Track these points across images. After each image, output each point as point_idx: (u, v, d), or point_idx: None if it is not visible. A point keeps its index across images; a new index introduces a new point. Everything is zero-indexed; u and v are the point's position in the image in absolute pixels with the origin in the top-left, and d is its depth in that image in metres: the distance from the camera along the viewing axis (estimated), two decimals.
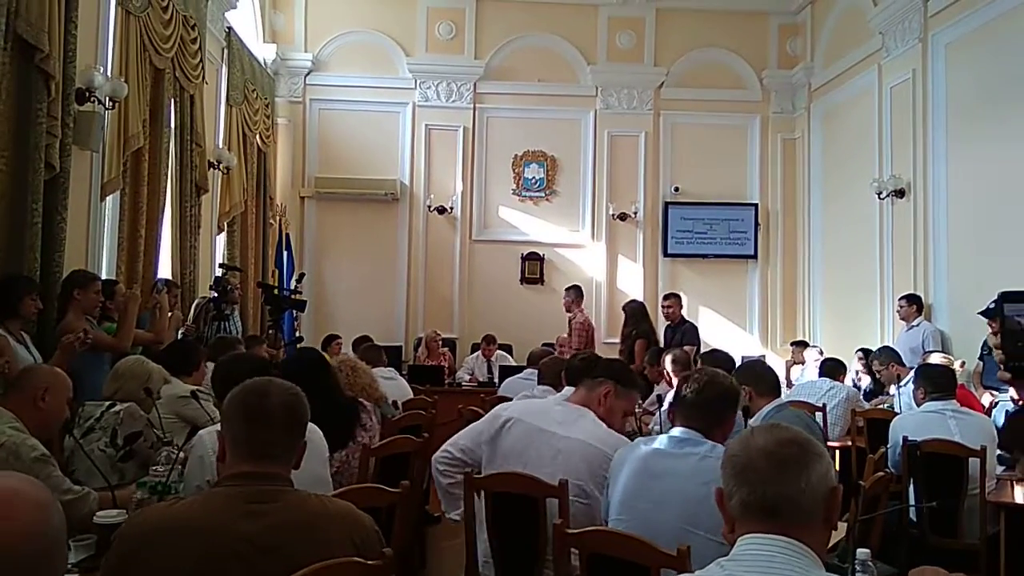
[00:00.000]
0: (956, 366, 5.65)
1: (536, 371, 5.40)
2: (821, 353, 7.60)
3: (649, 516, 2.21)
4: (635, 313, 7.33)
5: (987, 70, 6.59)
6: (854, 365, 7.13)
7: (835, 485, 1.41)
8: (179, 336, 5.57)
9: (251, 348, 5.20)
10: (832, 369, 5.98)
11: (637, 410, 4.87)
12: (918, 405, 4.20)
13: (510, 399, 4.77)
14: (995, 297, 1.75)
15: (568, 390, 3.16)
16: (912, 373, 5.72)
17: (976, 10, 6.64)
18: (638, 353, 6.86)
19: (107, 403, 3.11)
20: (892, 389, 5.87)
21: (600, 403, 2.83)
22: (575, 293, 7.80)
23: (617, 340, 7.72)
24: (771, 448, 1.40)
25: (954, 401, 4.03)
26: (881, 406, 5.60)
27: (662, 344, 6.95)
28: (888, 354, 6.09)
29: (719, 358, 4.33)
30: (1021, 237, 6.06)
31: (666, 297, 7.61)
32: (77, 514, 2.32)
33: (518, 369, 6.63)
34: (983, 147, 6.58)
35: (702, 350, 7.10)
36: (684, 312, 7.51)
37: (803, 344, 8.10)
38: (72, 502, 2.39)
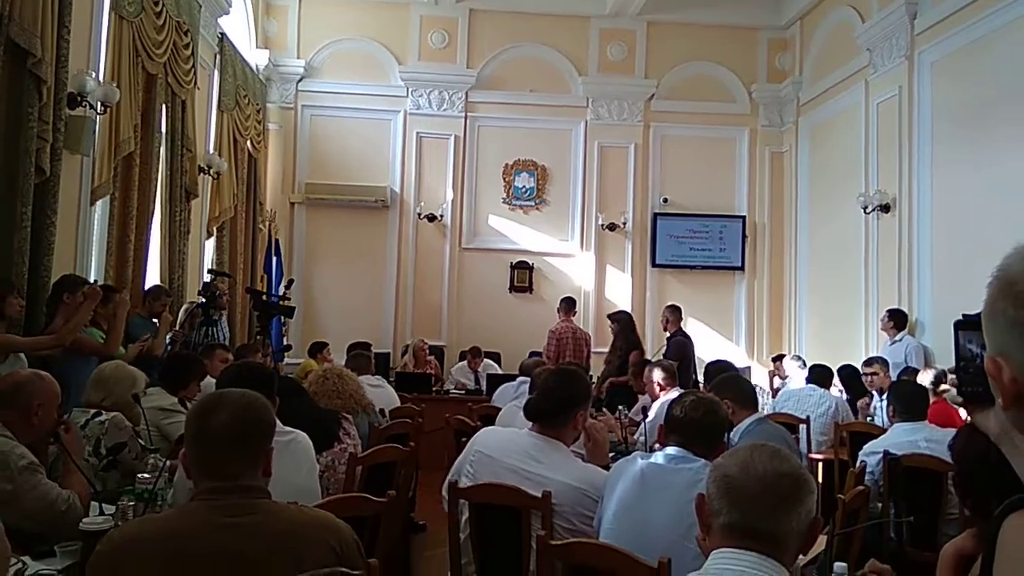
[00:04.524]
0: (946, 385, 5.64)
1: (528, 379, 5.43)
2: (804, 365, 7.65)
3: (643, 527, 2.25)
4: (626, 324, 7.34)
5: (972, 88, 6.69)
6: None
7: (816, 517, 1.45)
8: (168, 342, 5.57)
9: (245, 356, 5.18)
10: (820, 376, 6.02)
11: (624, 419, 4.92)
12: (891, 422, 4.17)
13: (499, 408, 4.81)
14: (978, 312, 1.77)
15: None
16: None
17: (961, 30, 6.73)
18: (633, 364, 6.90)
19: (93, 411, 3.10)
20: (875, 400, 5.93)
21: (577, 428, 2.76)
22: (561, 303, 7.82)
23: (605, 349, 7.73)
24: (770, 480, 1.43)
25: (925, 423, 3.94)
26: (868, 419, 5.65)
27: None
28: (880, 363, 6.13)
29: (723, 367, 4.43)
30: (1004, 252, 6.12)
31: (665, 307, 7.68)
32: (70, 523, 2.33)
33: (506, 377, 6.64)
34: (967, 164, 6.67)
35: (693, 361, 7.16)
36: (681, 324, 7.52)
37: (782, 357, 8.16)
38: (65, 513, 2.41)
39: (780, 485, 1.42)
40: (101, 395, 3.23)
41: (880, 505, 3.80)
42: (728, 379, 3.74)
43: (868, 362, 6.19)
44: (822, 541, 2.43)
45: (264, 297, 7.52)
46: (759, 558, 1.38)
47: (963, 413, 5.12)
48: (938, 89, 7.15)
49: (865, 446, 4.06)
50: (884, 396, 5.76)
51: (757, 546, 1.39)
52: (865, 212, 7.93)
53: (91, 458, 2.94)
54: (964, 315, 0.97)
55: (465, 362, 8.66)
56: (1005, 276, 0.85)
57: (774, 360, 8.26)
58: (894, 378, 6.06)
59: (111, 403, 3.19)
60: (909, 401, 4.04)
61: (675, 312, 7.49)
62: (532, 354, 7.38)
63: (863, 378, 6.19)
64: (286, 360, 8.21)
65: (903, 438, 3.86)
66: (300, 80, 9.83)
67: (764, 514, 1.40)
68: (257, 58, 9.30)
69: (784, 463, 1.46)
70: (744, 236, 10.08)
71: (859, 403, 6.19)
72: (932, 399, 4.56)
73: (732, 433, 3.19)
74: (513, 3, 9.95)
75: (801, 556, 1.48)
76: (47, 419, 2.66)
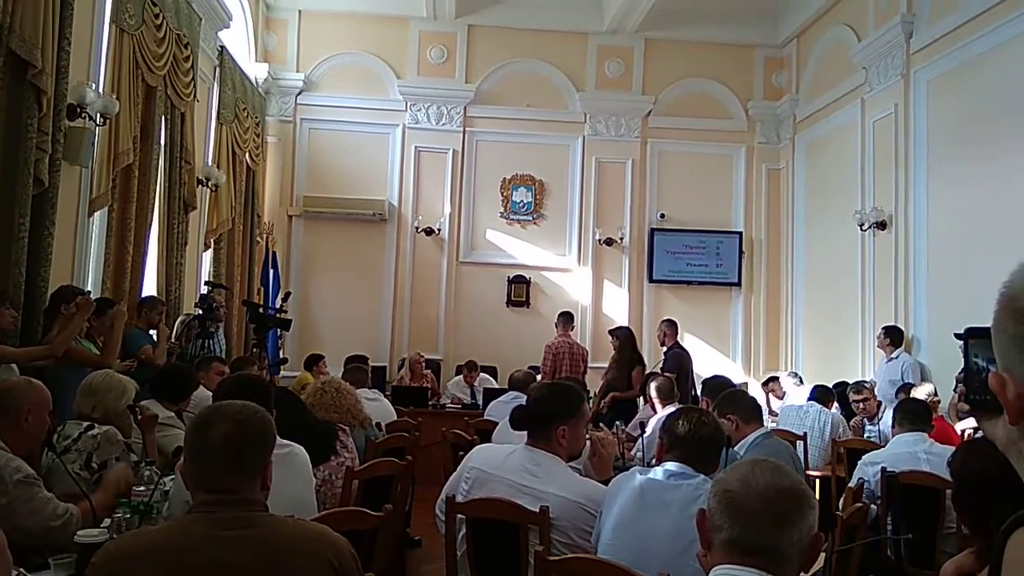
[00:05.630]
0: (938, 398, 5.66)
1: (518, 394, 5.42)
2: (801, 381, 7.66)
3: (642, 543, 2.24)
4: (628, 339, 7.33)
5: (967, 106, 6.73)
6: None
7: (818, 533, 1.45)
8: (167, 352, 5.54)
9: (241, 369, 5.15)
10: (822, 395, 6.03)
11: (621, 435, 4.91)
12: (893, 436, 4.19)
13: (495, 423, 4.79)
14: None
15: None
16: (884, 410, 5.79)
17: (957, 49, 6.79)
18: (635, 379, 6.92)
19: (86, 424, 3.06)
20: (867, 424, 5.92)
21: (561, 444, 2.70)
22: (559, 318, 7.82)
23: (602, 365, 7.72)
24: (771, 495, 1.42)
25: (926, 435, 3.94)
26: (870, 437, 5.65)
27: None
28: (870, 388, 6.14)
29: (722, 382, 4.51)
30: (1000, 269, 6.08)
31: (661, 322, 7.73)
32: (62, 537, 2.31)
33: (502, 392, 6.61)
34: (963, 181, 6.70)
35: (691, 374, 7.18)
36: (677, 338, 7.55)
37: (776, 379, 8.15)
38: (58, 528, 2.38)
39: (781, 500, 1.42)
40: (91, 404, 3.18)
41: (877, 517, 3.78)
42: (732, 394, 3.73)
43: (858, 388, 6.16)
44: (821, 559, 2.42)
45: (261, 310, 7.49)
46: (760, 575, 1.37)
47: (959, 428, 5.15)
48: (934, 107, 7.19)
49: (865, 456, 4.06)
50: (875, 421, 5.78)
51: (758, 562, 1.38)
52: (862, 229, 7.96)
53: (82, 472, 2.91)
54: (969, 328, 0.98)
55: (461, 376, 8.63)
56: (1008, 292, 0.86)
57: (764, 384, 8.25)
58: (893, 395, 6.07)
59: (101, 413, 3.14)
60: (914, 414, 4.05)
61: (671, 326, 7.51)
62: (530, 369, 7.36)
63: (852, 404, 6.15)
64: (282, 373, 8.18)
65: (904, 449, 3.87)
66: (299, 93, 9.87)
67: (765, 529, 1.40)
68: (256, 71, 9.33)
69: (785, 478, 1.46)
70: (741, 252, 10.11)
71: (852, 422, 6.17)
72: None
73: (738, 447, 3.18)
74: (511, 19, 10.01)
75: (803, 573, 1.47)
76: (38, 425, 2.62)
